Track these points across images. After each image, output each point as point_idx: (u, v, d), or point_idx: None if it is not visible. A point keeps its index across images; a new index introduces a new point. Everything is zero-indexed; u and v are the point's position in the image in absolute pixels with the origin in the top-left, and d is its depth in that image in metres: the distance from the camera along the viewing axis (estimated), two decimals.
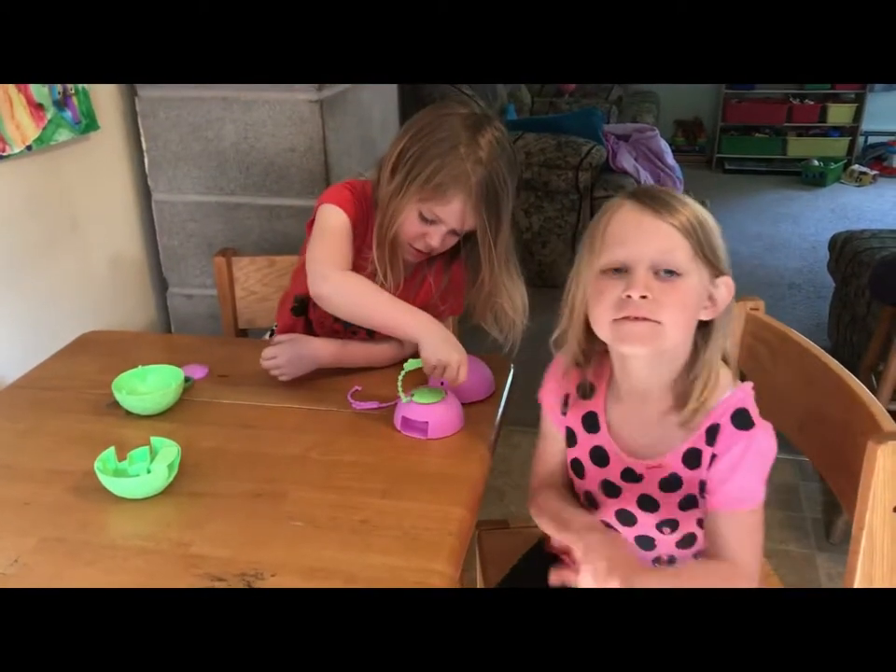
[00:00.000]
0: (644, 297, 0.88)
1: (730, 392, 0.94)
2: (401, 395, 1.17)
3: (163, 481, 1.04)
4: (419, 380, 1.21)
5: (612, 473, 1.01)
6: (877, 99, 5.42)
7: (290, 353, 1.29)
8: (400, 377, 1.18)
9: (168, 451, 1.07)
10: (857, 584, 0.93)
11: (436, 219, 1.23)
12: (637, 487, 0.99)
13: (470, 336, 1.53)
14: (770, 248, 4.06)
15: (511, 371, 1.35)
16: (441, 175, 1.19)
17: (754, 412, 0.93)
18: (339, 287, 1.24)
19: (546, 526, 1.06)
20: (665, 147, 4.13)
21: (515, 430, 2.38)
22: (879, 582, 0.92)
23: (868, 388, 1.02)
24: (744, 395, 0.94)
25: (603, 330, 0.94)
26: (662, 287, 0.89)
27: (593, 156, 3.47)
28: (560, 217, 3.55)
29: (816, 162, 5.27)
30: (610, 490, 1.02)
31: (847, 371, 1.07)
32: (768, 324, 1.22)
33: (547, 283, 3.58)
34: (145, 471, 1.06)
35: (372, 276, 1.27)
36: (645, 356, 0.94)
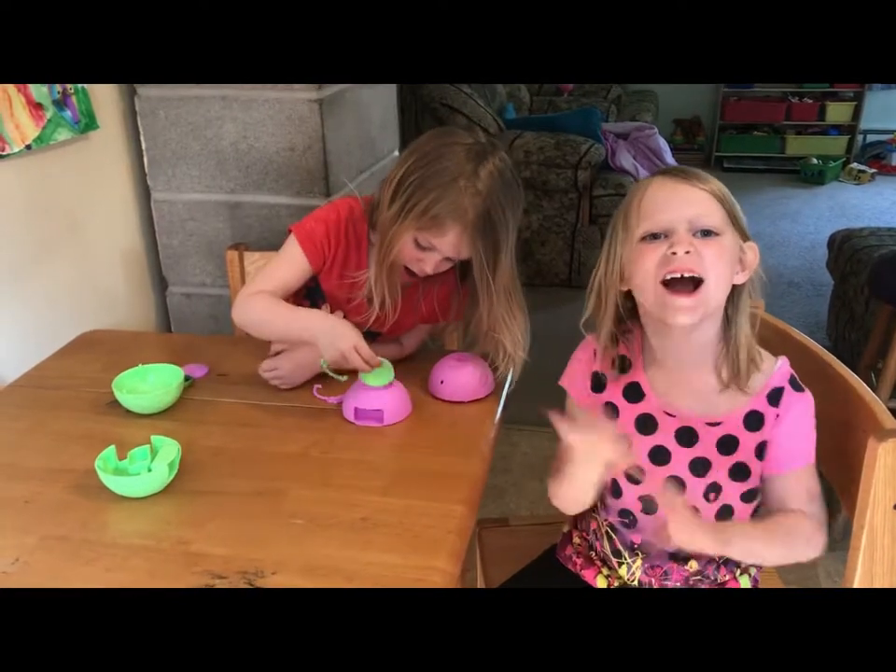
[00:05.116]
0: (688, 252, 0.93)
1: (781, 360, 1.02)
2: (332, 374, 1.22)
3: (164, 479, 1.04)
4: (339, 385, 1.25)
5: (664, 438, 1.02)
6: (876, 97, 5.42)
7: (291, 364, 1.30)
8: (324, 364, 1.22)
9: (168, 449, 1.08)
10: (857, 581, 0.93)
11: (431, 248, 1.22)
12: (690, 451, 1.01)
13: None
14: (769, 247, 4.06)
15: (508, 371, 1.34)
16: (438, 207, 1.17)
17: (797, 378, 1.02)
18: (241, 309, 1.29)
19: (559, 483, 1.03)
20: (663, 145, 4.13)
21: (514, 429, 2.39)
22: (879, 579, 0.93)
23: (867, 386, 1.02)
24: (788, 363, 1.02)
25: (648, 294, 0.96)
26: (703, 244, 0.94)
27: (591, 154, 3.46)
28: (559, 216, 3.55)
29: (814, 161, 5.27)
30: (660, 457, 1.02)
31: (847, 368, 1.07)
32: (768, 322, 1.22)
33: (546, 282, 3.59)
34: (145, 470, 1.07)
35: (366, 301, 1.28)
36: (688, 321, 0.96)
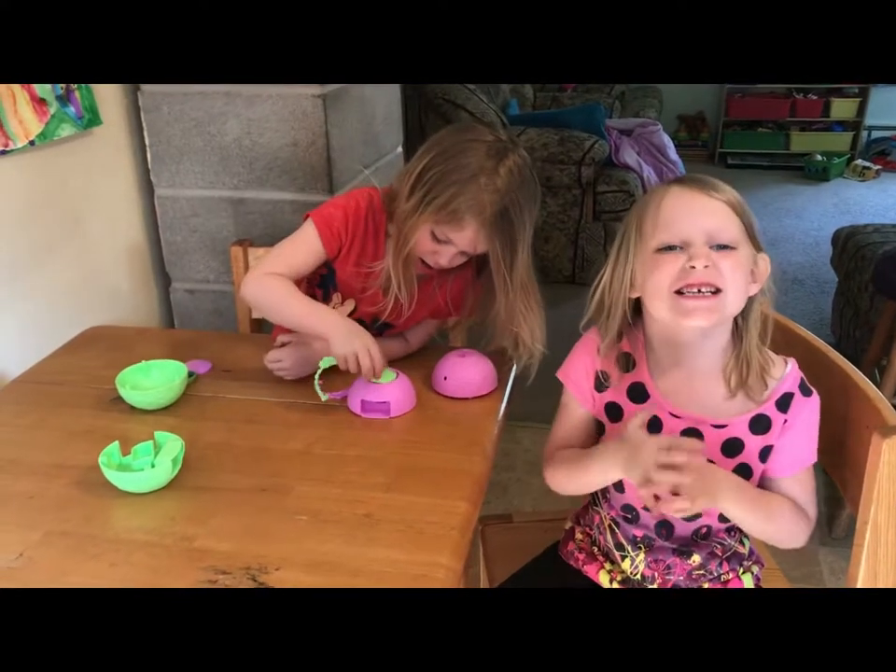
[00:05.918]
0: (707, 267, 0.93)
1: (791, 364, 1.01)
2: (319, 392, 1.23)
3: (167, 475, 1.05)
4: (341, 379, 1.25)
5: None
6: (881, 94, 5.40)
7: (296, 356, 1.31)
8: (317, 375, 1.23)
9: (172, 445, 1.08)
10: (861, 578, 0.93)
11: (447, 241, 1.23)
12: None
13: (475, 331, 1.53)
14: (773, 243, 4.05)
15: (514, 365, 1.34)
16: (458, 202, 1.18)
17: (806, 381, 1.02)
18: (257, 287, 1.29)
19: (565, 471, 1.06)
20: (667, 141, 4.12)
21: (518, 426, 2.38)
22: (883, 577, 0.93)
23: (871, 383, 1.02)
24: (797, 366, 1.02)
25: (661, 303, 0.96)
26: (720, 256, 0.94)
27: (595, 151, 3.46)
28: (563, 213, 3.55)
29: (819, 157, 5.26)
30: None
31: (851, 365, 1.07)
32: (772, 318, 1.21)
33: (549, 279, 3.58)
34: (149, 466, 1.07)
35: (381, 291, 1.29)
36: (702, 327, 0.96)
